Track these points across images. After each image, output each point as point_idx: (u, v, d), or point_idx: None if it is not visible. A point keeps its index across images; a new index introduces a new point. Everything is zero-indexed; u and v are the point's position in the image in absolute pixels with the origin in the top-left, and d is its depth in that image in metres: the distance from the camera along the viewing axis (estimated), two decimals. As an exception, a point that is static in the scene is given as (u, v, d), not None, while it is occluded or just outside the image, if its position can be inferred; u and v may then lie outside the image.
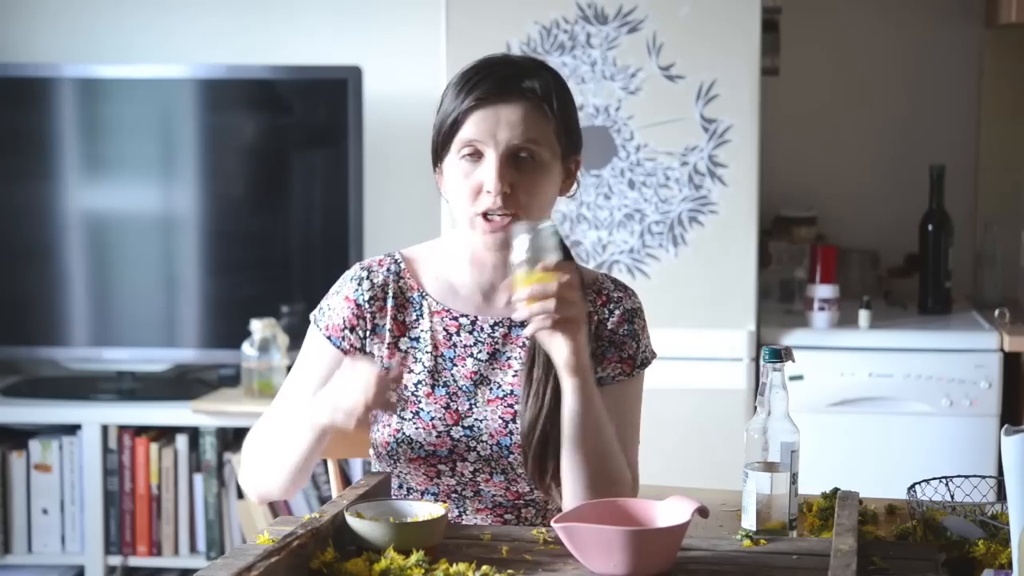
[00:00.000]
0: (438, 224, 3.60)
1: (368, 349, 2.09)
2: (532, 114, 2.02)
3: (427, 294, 2.10)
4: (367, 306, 2.08)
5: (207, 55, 4.20)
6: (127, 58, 4.21)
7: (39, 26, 4.28)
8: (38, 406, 3.94)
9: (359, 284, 2.10)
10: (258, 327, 3.83)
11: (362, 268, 2.12)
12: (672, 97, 3.60)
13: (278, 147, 4.04)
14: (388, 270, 2.11)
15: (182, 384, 4.11)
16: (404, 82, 4.11)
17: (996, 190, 4.19)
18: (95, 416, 3.88)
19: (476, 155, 2.02)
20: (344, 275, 2.13)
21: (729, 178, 3.61)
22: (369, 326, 2.09)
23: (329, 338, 2.08)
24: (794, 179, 4.22)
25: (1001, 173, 4.19)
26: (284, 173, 4.01)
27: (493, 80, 2.03)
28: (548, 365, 2.01)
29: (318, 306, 2.13)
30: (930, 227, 3.90)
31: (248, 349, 3.84)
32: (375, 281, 2.10)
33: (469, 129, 2.01)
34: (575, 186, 2.13)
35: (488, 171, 2.00)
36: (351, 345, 2.08)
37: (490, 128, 2.01)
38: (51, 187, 3.99)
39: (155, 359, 4.05)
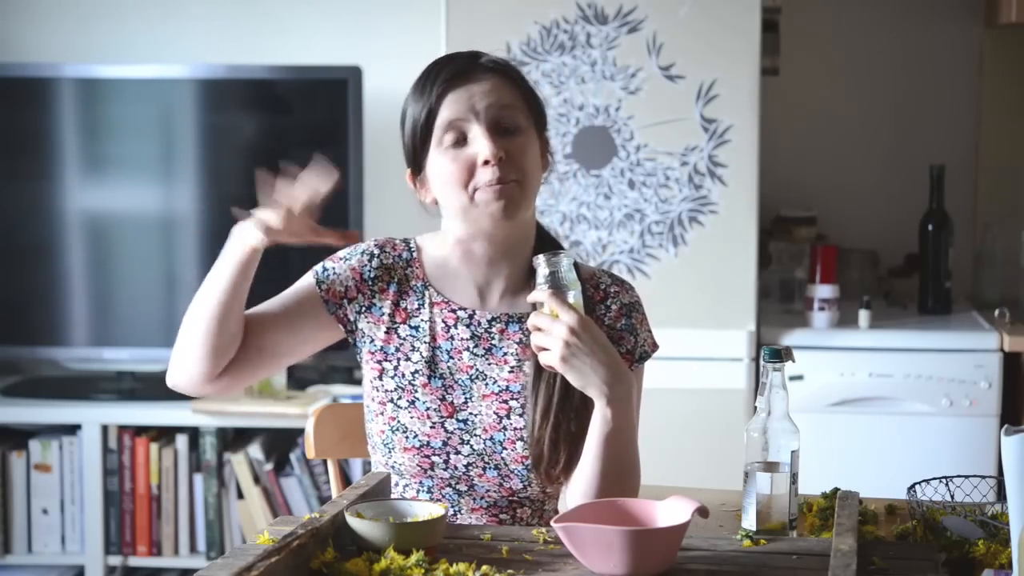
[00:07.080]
0: (439, 224, 3.58)
1: (359, 324, 2.08)
2: (501, 83, 2.04)
3: (430, 284, 2.11)
4: (370, 283, 2.09)
5: (207, 55, 4.20)
6: (127, 58, 4.21)
7: (39, 26, 4.28)
8: (38, 406, 3.93)
9: (369, 259, 2.11)
10: (258, 327, 3.83)
11: (376, 245, 2.13)
12: (672, 97, 3.60)
13: (278, 147, 4.04)
14: (400, 256, 2.12)
15: (182, 384, 4.10)
16: (404, 82, 4.06)
17: (996, 190, 4.19)
18: (95, 416, 3.88)
19: (461, 140, 2.02)
20: (359, 245, 2.13)
21: (729, 178, 3.61)
22: (367, 303, 2.09)
23: (326, 302, 2.08)
24: (794, 179, 4.22)
25: (1001, 173, 4.19)
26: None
27: (453, 65, 2.06)
28: None
29: (322, 264, 2.12)
30: (930, 227, 3.90)
31: (248, 349, 3.83)
32: (385, 262, 2.11)
33: (447, 112, 2.02)
34: (550, 165, 2.13)
35: (479, 142, 2.01)
36: (345, 315, 2.08)
37: (467, 104, 2.02)
38: (51, 187, 3.99)
39: (155, 359, 4.04)
